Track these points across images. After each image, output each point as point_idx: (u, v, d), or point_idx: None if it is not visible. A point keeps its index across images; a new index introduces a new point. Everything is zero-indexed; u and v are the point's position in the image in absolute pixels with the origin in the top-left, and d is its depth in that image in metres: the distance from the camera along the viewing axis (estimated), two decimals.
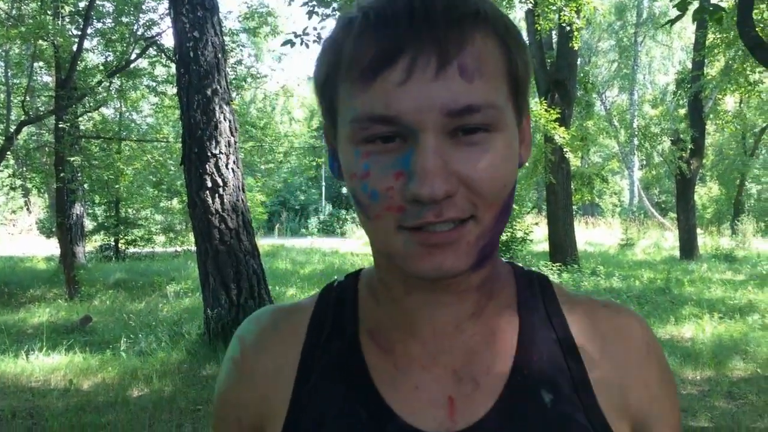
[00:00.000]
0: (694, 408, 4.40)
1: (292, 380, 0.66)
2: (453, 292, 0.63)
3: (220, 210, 5.96)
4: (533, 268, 0.74)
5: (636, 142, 19.89)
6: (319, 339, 0.67)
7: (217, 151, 5.99)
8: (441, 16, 0.53)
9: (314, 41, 6.07)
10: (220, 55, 6.22)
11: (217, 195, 5.97)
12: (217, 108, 6.06)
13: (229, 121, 6.14)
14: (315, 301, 0.72)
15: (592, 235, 22.50)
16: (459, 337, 0.65)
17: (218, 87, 6.11)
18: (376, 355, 0.65)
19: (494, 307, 0.67)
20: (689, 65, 16.92)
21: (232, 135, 6.15)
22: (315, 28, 5.99)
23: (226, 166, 6.04)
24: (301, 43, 6.12)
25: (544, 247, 14.32)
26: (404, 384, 0.63)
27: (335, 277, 0.74)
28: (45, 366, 5.64)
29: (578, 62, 14.92)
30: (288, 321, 0.70)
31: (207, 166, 5.96)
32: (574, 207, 26.90)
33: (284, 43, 6.27)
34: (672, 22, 3.92)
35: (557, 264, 11.65)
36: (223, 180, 6.00)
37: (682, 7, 3.71)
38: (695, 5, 3.75)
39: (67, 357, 5.97)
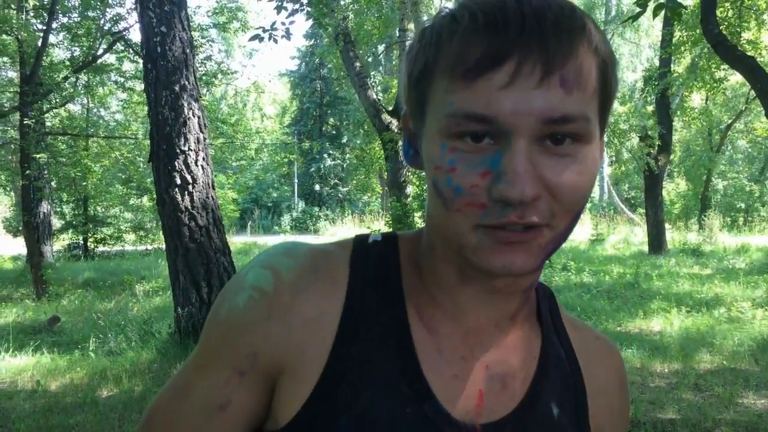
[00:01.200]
0: (662, 400, 4.48)
1: (333, 334, 0.63)
2: (504, 291, 0.65)
3: (189, 207, 5.89)
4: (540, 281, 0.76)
5: (605, 138, 20.16)
6: (362, 298, 0.65)
7: (186, 148, 5.92)
8: (550, 27, 0.54)
9: (282, 36, 6.01)
10: (188, 51, 6.14)
11: (186, 192, 5.89)
12: (185, 104, 5.98)
13: (198, 118, 6.07)
14: (350, 254, 0.69)
15: None
16: (497, 336, 0.67)
17: (186, 83, 6.03)
18: (422, 334, 0.65)
19: (525, 314, 0.70)
20: (657, 63, 17.17)
21: (202, 131, 6.08)
22: (283, 23, 5.92)
23: (196, 163, 5.97)
24: (270, 38, 6.05)
25: None
26: (446, 370, 0.64)
27: (368, 231, 0.74)
28: (11, 367, 5.53)
29: None
30: (327, 267, 0.66)
31: (176, 163, 5.88)
32: None
33: (252, 38, 6.21)
34: (633, 18, 3.98)
35: None
36: (192, 177, 5.93)
37: (643, 4, 3.78)
38: (655, 2, 3.82)
39: (34, 358, 5.86)
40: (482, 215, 0.56)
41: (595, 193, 34.57)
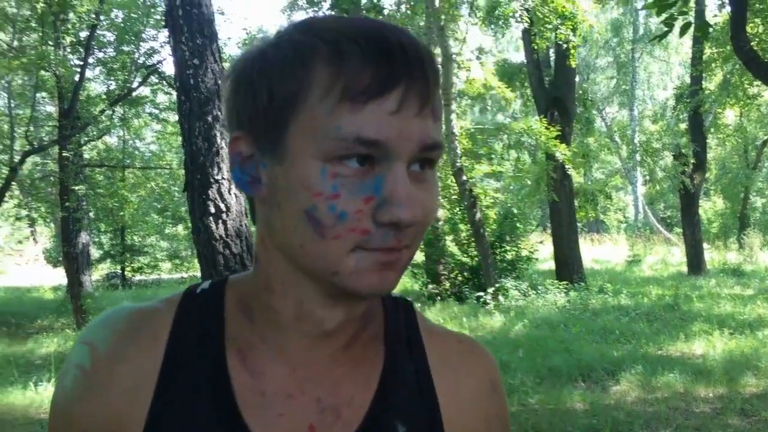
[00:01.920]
0: (708, 426, 4.35)
1: (151, 396, 0.63)
2: (349, 319, 0.66)
3: (224, 236, 5.96)
4: (398, 294, 0.75)
5: (638, 157, 19.90)
6: (181, 352, 0.64)
7: (219, 177, 6.00)
8: (426, 60, 0.58)
9: None
10: (220, 82, 6.26)
11: (220, 221, 5.97)
12: (218, 134, 6.08)
13: None
14: (176, 307, 0.68)
15: (599, 252, 22.43)
16: (329, 368, 0.66)
17: (219, 113, 6.14)
18: (243, 378, 0.64)
19: (364, 338, 0.69)
20: (688, 80, 16.97)
21: None
22: None
23: (229, 191, 6.04)
24: None
25: (551, 265, 14.26)
26: (269, 410, 0.63)
27: (198, 283, 0.71)
28: None
29: (576, 79, 14.99)
30: (147, 327, 0.66)
31: (210, 192, 5.96)
32: (580, 224, 26.90)
33: None
34: (660, 37, 3.96)
35: (563, 282, 11.59)
36: (226, 206, 6.01)
37: (669, 23, 3.75)
38: (683, 21, 3.78)
39: None
40: (364, 240, 0.56)
41: (630, 213, 34.07)
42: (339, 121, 0.55)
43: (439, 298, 11.29)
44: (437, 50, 13.03)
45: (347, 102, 0.55)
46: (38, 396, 5.65)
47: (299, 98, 0.57)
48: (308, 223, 0.57)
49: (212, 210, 6.06)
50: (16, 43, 12.05)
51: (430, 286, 11.70)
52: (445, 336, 0.74)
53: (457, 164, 10.77)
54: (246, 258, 6.20)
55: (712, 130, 17.25)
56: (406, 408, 0.66)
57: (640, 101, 32.16)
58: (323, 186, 0.56)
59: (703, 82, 15.10)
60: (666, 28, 3.76)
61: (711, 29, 13.27)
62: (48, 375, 6.23)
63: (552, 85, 13.26)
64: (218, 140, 6.19)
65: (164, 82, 12.69)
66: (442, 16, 10.69)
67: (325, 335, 0.65)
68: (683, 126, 17.22)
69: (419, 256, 12.55)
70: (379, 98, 0.55)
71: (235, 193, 6.19)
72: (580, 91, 20.10)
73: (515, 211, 12.55)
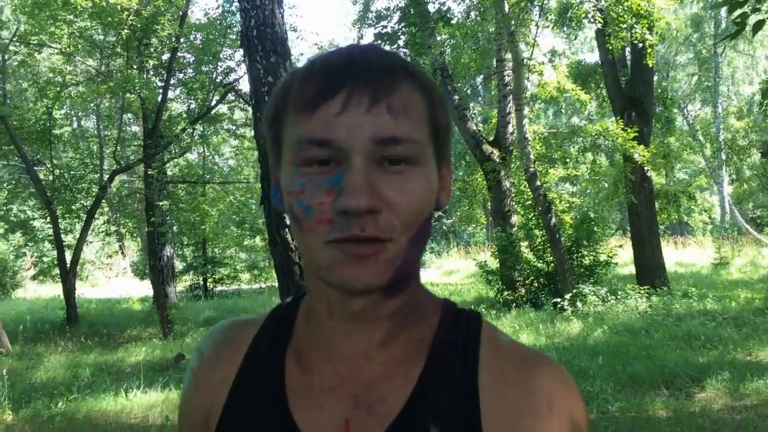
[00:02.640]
0: None
1: (227, 392, 0.74)
2: (366, 319, 0.69)
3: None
4: (469, 308, 0.76)
5: (723, 156, 19.11)
6: (255, 356, 0.75)
7: None
8: (375, 65, 0.64)
9: None
10: None
11: None
12: None
13: None
14: (265, 318, 0.79)
15: (683, 256, 21.57)
16: (366, 364, 0.70)
17: None
18: (295, 375, 0.72)
19: (405, 338, 0.71)
20: None
21: None
22: None
23: None
24: None
25: (631, 270, 13.84)
26: (312, 402, 0.70)
27: (289, 298, 0.81)
28: (143, 403, 5.90)
29: (655, 78, 14.52)
30: (239, 336, 0.78)
31: None
32: (661, 227, 25.91)
33: None
34: (732, 36, 3.81)
35: (645, 287, 11.23)
36: None
37: (741, 22, 3.62)
38: (756, 18, 3.63)
39: (163, 394, 6.22)
40: (329, 231, 0.61)
41: (716, 214, 32.61)
42: (296, 129, 0.64)
43: (514, 305, 11.15)
44: (508, 55, 12.94)
45: (302, 113, 0.63)
46: (129, 403, 5.95)
47: (282, 117, 0.67)
48: (292, 220, 0.65)
49: (288, 222, 6.24)
50: (103, 68, 12.75)
51: (506, 293, 11.58)
52: (511, 349, 0.71)
53: (531, 169, 10.64)
54: None
55: None
56: (442, 412, 0.67)
57: (724, 98, 30.80)
58: (293, 184, 0.64)
59: None
60: (737, 27, 3.63)
61: None
62: (137, 382, 6.54)
63: (628, 85, 12.91)
64: None
65: (240, 99, 13.14)
66: (512, 21, 10.60)
67: (354, 330, 0.69)
68: None
69: (494, 263, 12.44)
70: (324, 104, 0.62)
71: None
72: (659, 90, 19.46)
73: (592, 215, 12.24)
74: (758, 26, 3.57)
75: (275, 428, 0.69)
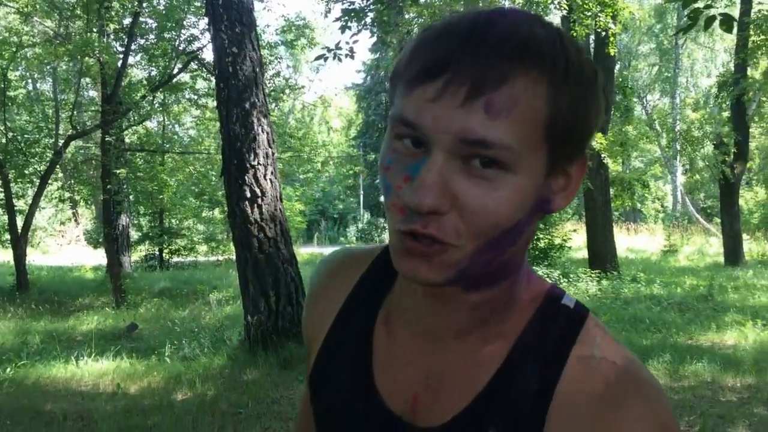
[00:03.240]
0: (732, 415, 4.36)
1: (330, 324, 0.78)
2: (443, 304, 0.66)
3: (258, 220, 6.12)
4: (577, 302, 0.68)
5: (678, 146, 19.56)
6: (356, 298, 0.77)
7: (255, 163, 6.16)
8: (492, 48, 0.55)
9: (347, 55, 6.17)
10: (257, 70, 6.40)
11: (255, 205, 6.13)
12: (255, 121, 6.23)
13: (267, 134, 6.31)
14: (374, 259, 0.79)
15: (634, 242, 22.16)
16: (440, 348, 0.68)
17: (256, 100, 6.29)
18: (382, 337, 0.73)
19: (484, 333, 0.67)
20: (732, 67, 16.59)
21: (270, 147, 6.31)
22: (347, 42, 6.09)
23: (264, 176, 6.20)
24: (334, 58, 6.24)
25: (585, 254, 14.18)
26: (390, 370, 0.71)
27: None
28: (94, 371, 5.87)
29: (617, 66, 14.77)
30: (347, 270, 0.80)
31: (246, 177, 6.13)
32: (616, 213, 26.47)
33: (317, 58, 6.42)
34: (685, 30, 3.96)
35: (596, 271, 11.54)
36: (261, 190, 6.17)
37: (694, 17, 3.75)
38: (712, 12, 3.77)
39: (114, 362, 6.19)
40: (400, 219, 0.59)
41: (669, 203, 33.49)
42: (398, 101, 0.59)
43: None
44: None
45: (404, 87, 0.59)
46: (79, 370, 5.91)
47: (395, 83, 0.62)
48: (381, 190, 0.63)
49: (248, 195, 6.23)
50: (62, 30, 12.37)
51: None
52: (600, 372, 0.61)
53: None
54: (280, 242, 6.36)
55: (756, 119, 16.85)
56: (504, 418, 0.63)
57: (683, 89, 31.49)
58: (384, 158, 0.61)
59: (748, 70, 14.77)
60: (690, 21, 3.76)
61: (754, 17, 12.97)
62: (89, 350, 6.49)
63: None
64: (255, 127, 6.34)
65: (203, 69, 12.91)
66: (480, 3, 10.65)
67: (434, 310, 0.67)
68: (726, 114, 16.86)
69: None
70: (424, 84, 0.56)
71: (270, 179, 6.34)
72: (620, 79, 19.80)
73: None
74: (709, 22, 3.70)
75: (358, 389, 0.72)
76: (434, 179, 0.56)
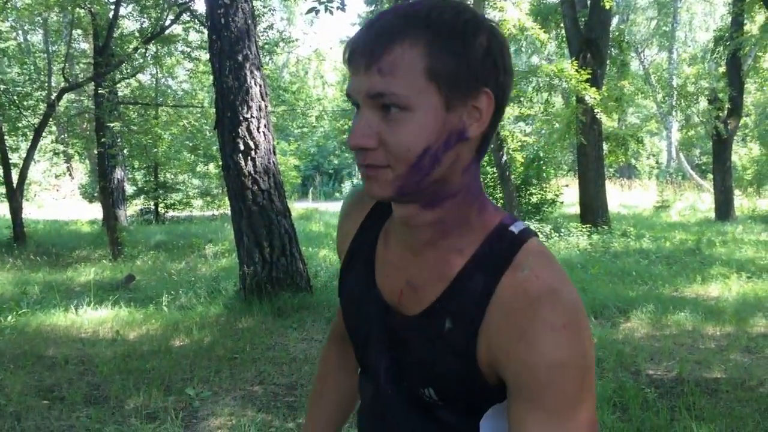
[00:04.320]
0: (710, 361, 4.54)
1: (350, 242, 1.05)
2: (410, 224, 0.90)
3: (252, 172, 6.19)
4: (526, 227, 0.88)
5: (674, 101, 19.52)
6: (370, 221, 1.03)
7: (248, 116, 6.20)
8: (377, 31, 0.80)
9: (338, 8, 6.15)
10: (250, 22, 6.38)
11: (249, 158, 6.19)
12: (248, 73, 6.24)
13: (260, 86, 6.33)
14: None
15: (627, 198, 22.32)
16: (417, 259, 0.91)
17: (249, 53, 6.29)
18: (381, 247, 0.99)
19: (448, 244, 0.88)
20: (729, 22, 16.46)
21: (263, 99, 6.34)
22: None
23: (258, 129, 6.25)
24: (326, 11, 6.22)
25: (577, 209, 14.32)
26: (385, 270, 0.97)
27: None
28: (93, 319, 6.01)
29: (615, 20, 14.63)
30: (362, 203, 1.06)
31: (239, 129, 6.17)
32: (611, 169, 26.53)
33: (309, 11, 6.39)
34: None
35: (587, 225, 11.69)
36: (254, 143, 6.22)
37: None
38: None
39: (113, 311, 6.33)
40: (357, 158, 0.85)
41: (662, 159, 33.53)
42: None
43: None
44: None
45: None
46: (79, 318, 6.06)
47: None
48: None
49: (241, 147, 6.28)
50: None
51: None
52: (523, 280, 0.80)
53: None
54: (273, 194, 6.44)
55: (751, 74, 16.80)
56: (458, 312, 0.85)
57: (681, 43, 31.21)
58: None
59: (746, 24, 14.67)
60: None
61: None
62: (87, 300, 6.63)
63: (586, 27, 13.03)
64: (248, 79, 6.35)
65: (196, 21, 12.77)
66: None
67: (407, 231, 0.91)
68: (722, 70, 16.81)
69: None
70: (348, 67, 0.82)
71: (263, 131, 6.38)
72: (617, 33, 19.61)
73: (541, 154, 12.53)
74: None
75: (364, 281, 0.99)
76: (359, 126, 0.81)
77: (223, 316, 6.01)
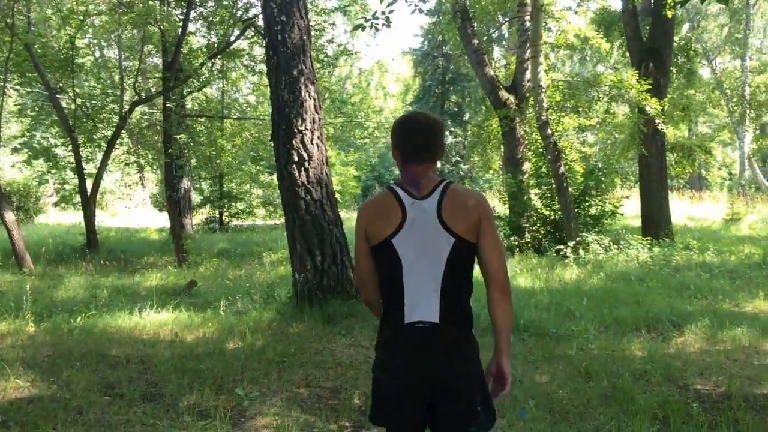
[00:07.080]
0: (761, 377, 4.42)
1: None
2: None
3: (305, 182, 6.40)
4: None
5: (746, 111, 18.91)
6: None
7: (302, 128, 6.41)
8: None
9: (383, 25, 6.32)
10: (305, 37, 6.61)
11: (303, 168, 6.40)
12: (302, 87, 6.46)
13: (314, 100, 6.54)
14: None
15: (696, 210, 21.60)
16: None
17: (304, 67, 6.51)
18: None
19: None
20: None
21: (317, 112, 6.54)
22: (384, 12, 6.25)
23: (311, 141, 6.45)
24: (371, 27, 6.41)
25: (640, 221, 14.00)
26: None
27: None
28: (155, 321, 6.32)
29: (686, 27, 14.23)
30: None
31: (294, 141, 6.39)
32: (680, 180, 25.69)
33: (355, 28, 6.61)
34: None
35: (648, 238, 11.43)
36: (308, 154, 6.42)
37: None
38: None
39: (173, 314, 6.64)
40: None
41: (735, 170, 32.26)
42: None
43: (518, 250, 11.43)
44: (528, 0, 12.83)
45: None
46: (141, 320, 6.38)
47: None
48: None
49: (295, 158, 6.50)
50: None
51: (512, 239, 11.82)
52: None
53: (542, 117, 10.74)
54: (326, 204, 6.63)
55: None
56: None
57: (754, 51, 30.04)
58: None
59: None
60: None
61: None
62: (150, 303, 6.96)
63: (649, 35, 12.79)
64: (302, 93, 6.58)
65: (260, 36, 13.19)
66: None
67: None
68: None
69: (503, 209, 12.67)
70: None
71: (317, 143, 6.59)
72: (683, 41, 19.11)
73: (599, 165, 12.34)
74: None
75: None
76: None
77: (275, 321, 6.21)
